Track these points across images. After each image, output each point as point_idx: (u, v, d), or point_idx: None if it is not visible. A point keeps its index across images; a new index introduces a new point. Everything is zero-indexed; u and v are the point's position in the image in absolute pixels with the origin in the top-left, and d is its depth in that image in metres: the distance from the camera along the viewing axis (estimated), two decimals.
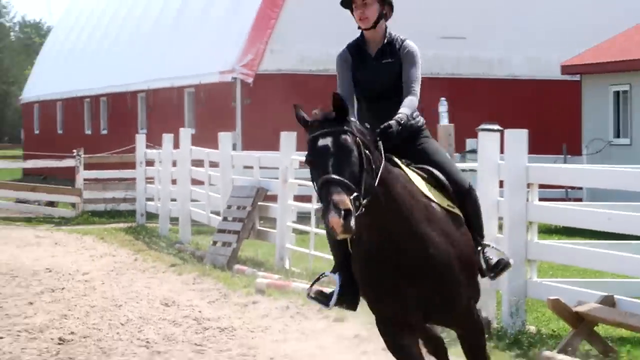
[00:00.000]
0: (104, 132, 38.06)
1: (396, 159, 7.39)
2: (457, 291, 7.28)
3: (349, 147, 6.73)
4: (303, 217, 17.51)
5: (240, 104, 27.76)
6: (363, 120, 7.35)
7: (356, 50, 7.73)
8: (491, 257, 7.63)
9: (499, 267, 7.61)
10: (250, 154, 20.56)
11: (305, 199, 16.97)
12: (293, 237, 16.74)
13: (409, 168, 7.47)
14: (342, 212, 6.47)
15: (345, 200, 6.47)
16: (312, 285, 7.71)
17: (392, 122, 7.28)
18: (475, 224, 7.65)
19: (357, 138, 6.79)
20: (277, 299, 13.50)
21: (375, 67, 7.70)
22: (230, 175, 18.52)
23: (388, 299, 7.29)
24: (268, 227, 17.62)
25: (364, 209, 6.65)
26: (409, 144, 7.68)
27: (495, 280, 8.05)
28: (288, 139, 16.74)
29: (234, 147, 21.75)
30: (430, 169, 7.58)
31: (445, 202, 7.40)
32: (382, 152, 7.09)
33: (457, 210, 7.47)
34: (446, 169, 7.64)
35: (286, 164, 16.66)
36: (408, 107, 7.47)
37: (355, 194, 6.59)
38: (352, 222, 6.45)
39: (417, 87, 7.60)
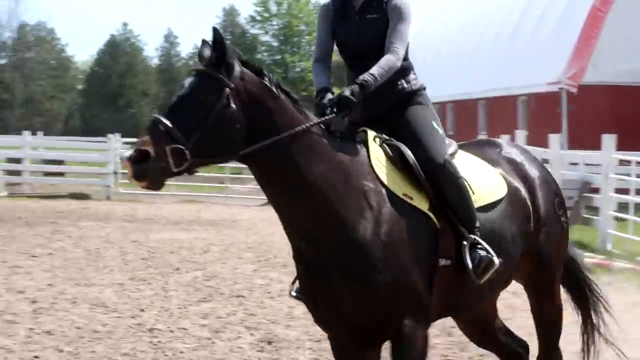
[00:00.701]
0: (450, 133, 39.67)
1: (369, 132, 5.43)
2: (384, 309, 5.13)
3: (190, 90, 4.92)
4: (623, 207, 17.77)
5: (565, 110, 28.09)
6: (349, 83, 5.54)
7: (340, 3, 5.79)
8: (478, 256, 5.39)
9: (481, 267, 5.39)
10: (575, 152, 20.97)
11: (624, 191, 17.57)
12: (614, 224, 17.03)
13: (382, 144, 5.43)
14: (135, 154, 4.78)
15: (147, 141, 4.75)
16: (292, 283, 5.63)
17: (351, 87, 5.34)
18: (457, 211, 5.39)
19: (220, 85, 4.92)
20: (600, 277, 13.72)
21: (358, 23, 5.71)
22: (559, 170, 18.56)
23: (317, 316, 5.41)
24: (592, 215, 17.76)
25: (188, 167, 4.85)
26: (395, 112, 5.67)
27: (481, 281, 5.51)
28: (609, 140, 17.15)
29: (561, 147, 22.73)
30: (398, 144, 5.41)
31: (402, 191, 5.24)
32: (309, 116, 5.18)
33: (416, 203, 5.27)
34: (422, 142, 5.47)
35: (607, 162, 17.03)
36: (380, 67, 5.42)
37: (175, 145, 4.78)
38: (151, 172, 4.74)
39: (399, 45, 5.55)
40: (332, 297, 5.16)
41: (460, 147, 5.94)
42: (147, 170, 4.76)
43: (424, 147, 5.48)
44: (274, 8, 72.95)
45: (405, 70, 5.74)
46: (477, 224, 5.45)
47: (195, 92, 4.94)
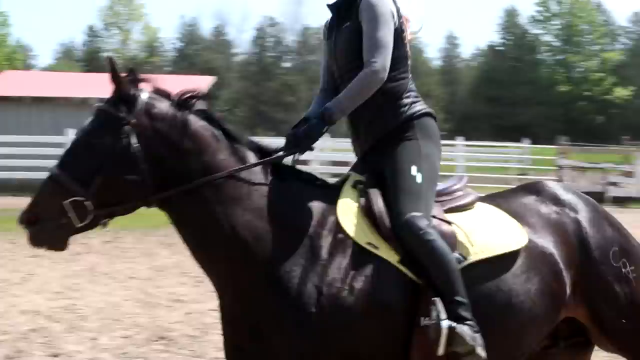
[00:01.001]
0: None
1: (353, 176, 4.70)
2: None
3: (87, 132, 4.33)
4: None
5: None
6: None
7: (332, 17, 4.90)
8: (457, 328, 4.33)
9: (448, 339, 4.33)
10: None
11: None
12: None
13: (357, 188, 4.63)
14: (24, 217, 4.28)
15: (38, 199, 4.26)
16: None
17: (311, 120, 4.58)
18: (431, 276, 4.43)
19: (118, 122, 4.29)
20: None
21: (335, 37, 4.80)
22: None
23: None
24: None
25: (94, 219, 4.28)
26: (383, 149, 4.71)
27: None
28: None
29: None
30: (372, 191, 4.59)
31: (367, 239, 4.46)
32: (245, 158, 4.47)
33: (382, 253, 4.45)
34: (393, 192, 4.57)
35: None
36: (349, 89, 4.54)
37: (72, 197, 4.22)
38: (48, 233, 4.23)
39: (376, 57, 4.55)
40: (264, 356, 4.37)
41: (491, 196, 5.08)
42: (43, 232, 4.24)
43: (393, 198, 4.55)
44: (555, 7, 74.29)
45: (395, 93, 4.68)
46: (459, 295, 4.39)
47: (91, 133, 4.32)
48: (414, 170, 4.58)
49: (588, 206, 5.09)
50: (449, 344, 4.30)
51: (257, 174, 4.50)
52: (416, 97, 4.73)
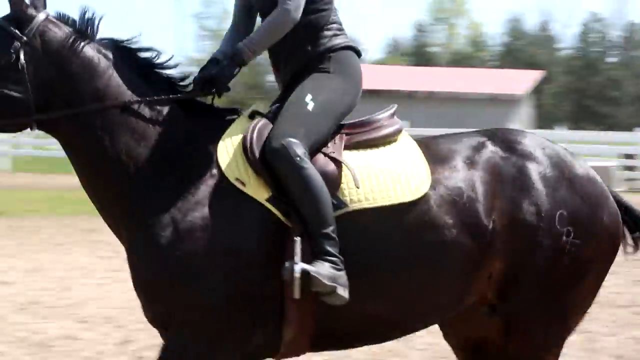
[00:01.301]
0: None
1: (252, 108, 4.50)
2: (164, 309, 4.25)
3: None
4: None
5: None
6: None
7: None
8: (313, 269, 4.11)
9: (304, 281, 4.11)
10: None
11: None
12: None
13: (252, 119, 4.45)
14: None
15: None
16: None
17: (223, 59, 4.46)
18: (300, 208, 4.20)
19: (9, 38, 4.30)
20: None
21: None
22: None
23: None
24: None
25: None
26: (295, 82, 4.51)
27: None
28: None
29: None
30: (255, 121, 4.41)
31: (236, 175, 4.26)
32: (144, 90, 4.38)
33: (249, 190, 4.24)
34: (277, 119, 4.37)
35: None
36: (261, 28, 4.45)
37: None
38: None
39: None
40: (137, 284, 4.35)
41: (438, 136, 4.69)
42: None
43: (275, 124, 4.34)
44: None
45: (315, 25, 4.50)
46: (328, 229, 4.16)
47: None
48: (308, 98, 4.36)
49: (549, 161, 4.53)
50: (307, 286, 4.07)
51: (157, 108, 4.37)
52: (339, 29, 4.54)
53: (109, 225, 4.42)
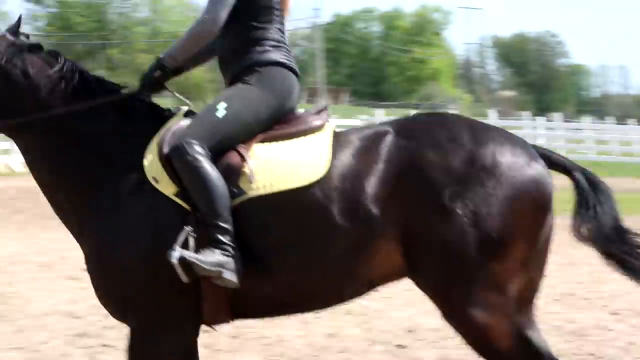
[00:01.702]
0: None
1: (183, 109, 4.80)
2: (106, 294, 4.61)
3: None
4: None
5: None
6: None
7: None
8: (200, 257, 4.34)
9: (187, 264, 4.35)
10: None
11: None
12: None
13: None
14: None
15: None
16: None
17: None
18: (195, 202, 4.46)
19: None
20: None
21: None
22: None
23: None
24: None
25: None
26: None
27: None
28: None
29: None
30: (173, 122, 4.71)
31: (153, 174, 4.54)
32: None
33: (161, 186, 4.51)
34: (190, 122, 4.68)
35: None
36: (181, 38, 4.71)
37: None
38: None
39: (208, 9, 4.66)
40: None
41: (355, 128, 4.81)
42: None
43: (184, 127, 4.64)
44: None
45: (250, 40, 4.79)
46: (219, 220, 4.43)
47: None
48: (220, 105, 4.65)
49: (446, 144, 4.52)
50: (192, 271, 4.38)
51: (97, 113, 4.68)
52: (274, 46, 4.79)
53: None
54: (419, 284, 4.50)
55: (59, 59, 4.71)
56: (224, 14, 4.66)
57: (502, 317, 4.35)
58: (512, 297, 4.35)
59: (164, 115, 4.77)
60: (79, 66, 4.76)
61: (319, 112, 4.79)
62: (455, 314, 4.39)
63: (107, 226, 4.52)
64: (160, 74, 4.67)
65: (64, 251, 11.67)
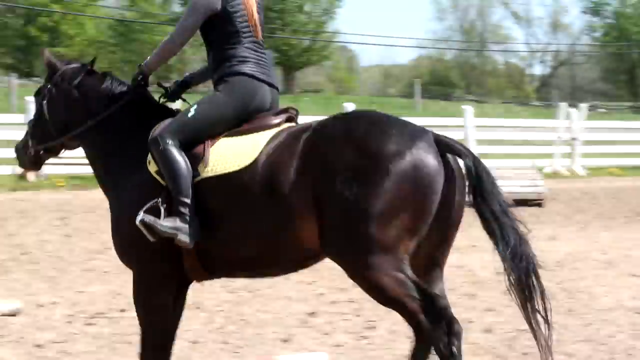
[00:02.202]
0: None
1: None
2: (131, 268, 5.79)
3: (35, 98, 6.20)
4: None
5: None
6: None
7: None
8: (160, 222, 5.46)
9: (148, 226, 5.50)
10: None
11: None
12: None
13: None
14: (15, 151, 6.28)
15: (19, 142, 6.22)
16: None
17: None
18: (167, 182, 5.55)
19: (46, 88, 6.11)
20: None
21: None
22: None
23: None
24: None
25: (43, 153, 6.16)
26: None
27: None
28: None
29: None
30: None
31: (149, 157, 5.69)
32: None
33: (151, 166, 5.66)
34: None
35: None
36: (154, 52, 5.89)
37: (27, 140, 6.16)
38: (22, 160, 6.23)
39: (176, 27, 5.84)
40: None
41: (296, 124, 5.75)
42: (21, 160, 6.27)
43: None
44: None
45: (222, 58, 5.77)
46: (180, 196, 5.47)
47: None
48: (193, 108, 5.64)
49: (345, 136, 5.27)
50: (154, 232, 5.41)
51: (122, 116, 5.87)
52: (240, 61, 5.71)
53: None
54: (329, 256, 5.27)
55: (107, 77, 5.96)
56: (185, 37, 5.78)
57: (393, 274, 5.04)
58: (401, 257, 5.06)
59: (166, 115, 5.82)
60: (125, 82, 5.96)
61: (279, 113, 5.72)
62: (356, 276, 5.17)
63: (117, 199, 5.70)
64: (141, 78, 5.87)
65: (627, 249, 12.51)
